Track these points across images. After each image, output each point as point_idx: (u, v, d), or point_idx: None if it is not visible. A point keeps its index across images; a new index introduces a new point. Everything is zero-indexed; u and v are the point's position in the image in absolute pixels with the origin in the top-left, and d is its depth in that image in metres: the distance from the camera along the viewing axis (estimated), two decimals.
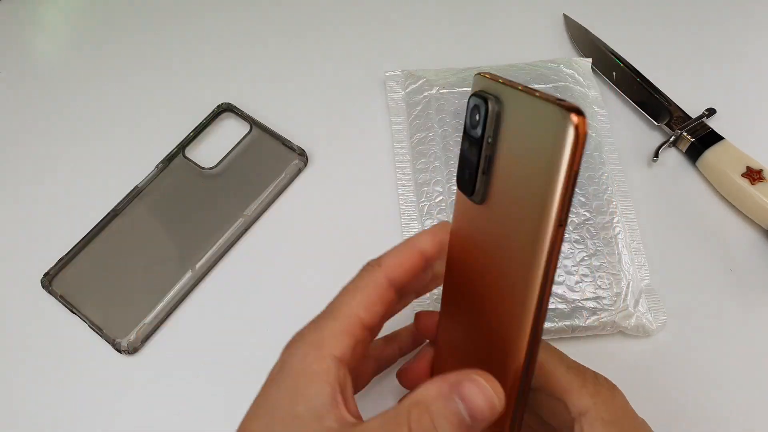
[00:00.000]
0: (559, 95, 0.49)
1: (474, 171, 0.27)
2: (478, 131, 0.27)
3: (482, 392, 0.25)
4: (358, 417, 0.27)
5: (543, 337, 0.41)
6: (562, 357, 0.31)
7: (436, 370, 0.34)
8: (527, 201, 0.24)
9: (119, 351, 0.43)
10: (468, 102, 0.27)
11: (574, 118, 0.22)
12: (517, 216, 0.25)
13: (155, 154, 0.50)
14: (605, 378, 0.31)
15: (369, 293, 0.29)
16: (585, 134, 0.22)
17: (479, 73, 0.28)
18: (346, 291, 0.30)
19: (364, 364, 0.35)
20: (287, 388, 0.27)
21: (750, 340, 0.43)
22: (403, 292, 0.31)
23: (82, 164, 0.51)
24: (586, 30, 0.56)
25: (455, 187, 0.41)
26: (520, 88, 0.25)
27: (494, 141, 0.26)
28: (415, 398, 0.25)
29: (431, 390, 0.25)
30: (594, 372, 0.31)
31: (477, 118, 0.27)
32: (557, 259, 0.24)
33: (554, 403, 0.31)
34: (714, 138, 0.48)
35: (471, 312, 0.30)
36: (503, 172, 0.26)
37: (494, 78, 0.27)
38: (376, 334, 0.31)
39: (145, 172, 0.50)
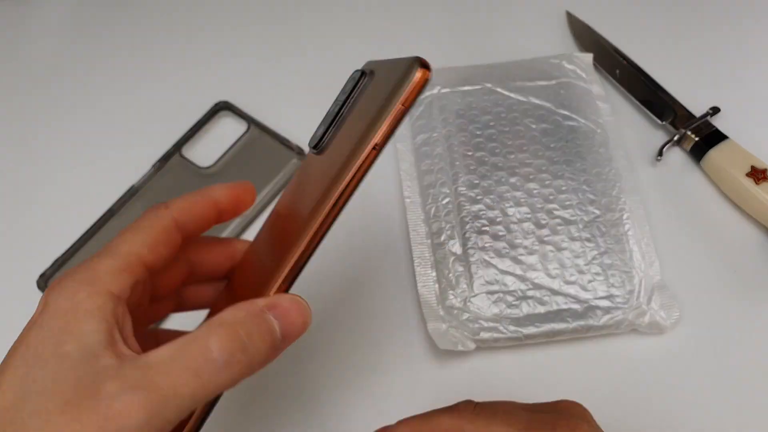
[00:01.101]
0: (563, 91, 0.50)
1: (327, 127, 0.29)
2: (344, 96, 0.28)
3: (299, 309, 0.25)
4: (140, 352, 0.24)
5: (556, 338, 0.41)
6: (511, 422, 0.29)
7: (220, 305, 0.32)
8: (355, 132, 0.26)
9: None
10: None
11: (420, 64, 0.24)
12: (342, 149, 0.26)
13: (151, 154, 0.50)
14: (564, 421, 0.30)
15: (152, 233, 0.27)
16: (426, 80, 0.24)
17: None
18: (127, 230, 0.27)
19: (158, 305, 0.32)
20: (51, 328, 0.23)
21: (755, 340, 0.42)
22: (189, 239, 0.30)
23: (78, 164, 0.50)
24: (589, 27, 0.55)
25: (463, 189, 0.45)
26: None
27: (354, 102, 0.28)
28: (220, 320, 0.24)
29: (239, 312, 0.24)
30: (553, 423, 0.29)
31: (349, 86, 0.28)
32: (362, 176, 0.26)
33: None
34: (718, 137, 0.48)
35: (271, 246, 0.30)
36: (348, 124, 0.28)
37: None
38: (159, 276, 0.29)
39: (142, 172, 0.49)
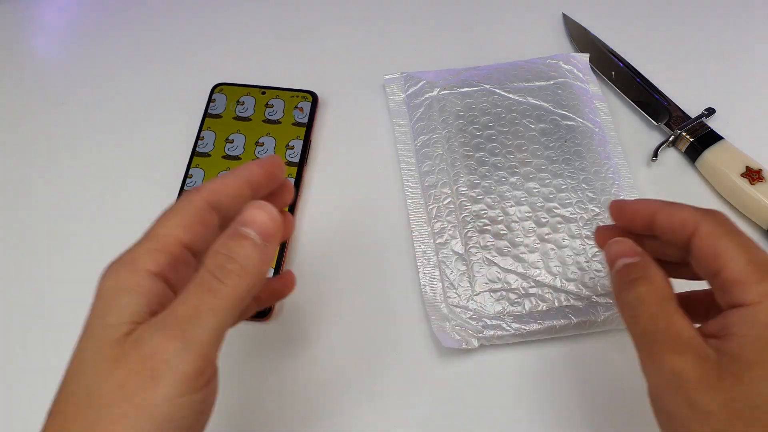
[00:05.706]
0: (561, 91, 0.50)
1: None
2: None
3: (263, 211, 0.29)
4: None
5: (558, 335, 0.41)
6: (748, 248, 0.29)
7: None
8: None
9: None
10: None
11: None
12: None
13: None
14: None
15: (185, 214, 0.30)
16: None
17: None
18: (162, 215, 0.30)
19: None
20: (98, 307, 0.27)
21: None
22: (227, 218, 0.31)
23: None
24: (585, 29, 0.56)
25: (464, 189, 0.45)
26: None
27: None
28: (209, 251, 0.28)
29: (219, 238, 0.28)
30: None
31: None
32: None
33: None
34: (713, 138, 0.48)
35: None
36: None
37: None
38: (200, 255, 0.31)
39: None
